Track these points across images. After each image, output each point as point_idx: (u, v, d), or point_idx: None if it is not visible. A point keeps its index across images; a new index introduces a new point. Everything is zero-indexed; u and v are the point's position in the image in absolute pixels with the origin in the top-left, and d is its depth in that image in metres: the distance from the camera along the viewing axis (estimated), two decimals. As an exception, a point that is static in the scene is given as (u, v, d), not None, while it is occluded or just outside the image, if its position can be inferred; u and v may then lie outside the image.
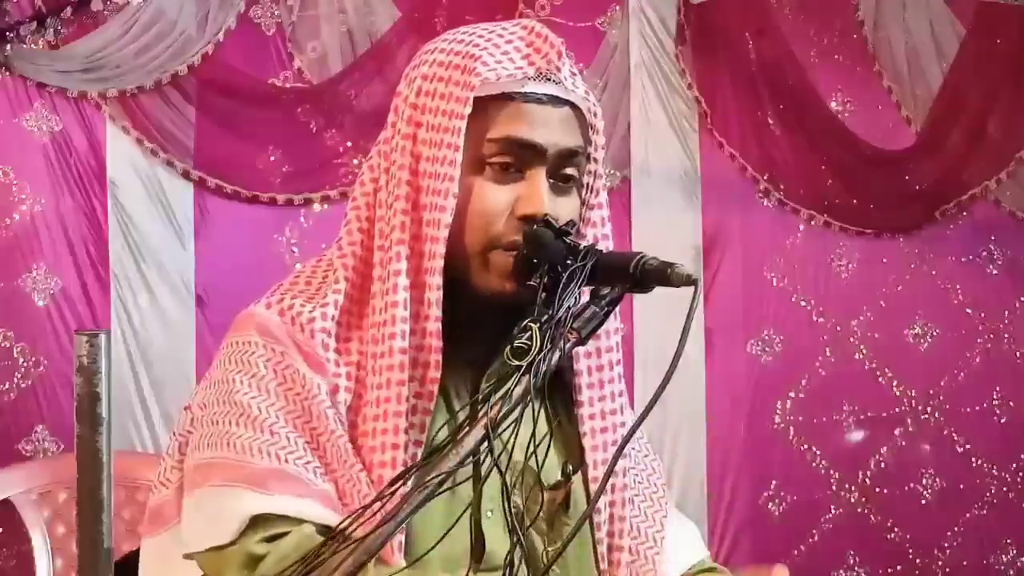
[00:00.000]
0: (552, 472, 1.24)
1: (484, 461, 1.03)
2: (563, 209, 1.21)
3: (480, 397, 1.03)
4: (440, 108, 1.21)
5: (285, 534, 1.14)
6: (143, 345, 3.34)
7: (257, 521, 1.14)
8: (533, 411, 1.05)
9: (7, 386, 3.27)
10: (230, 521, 1.14)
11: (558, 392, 1.30)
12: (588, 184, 1.28)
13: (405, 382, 1.18)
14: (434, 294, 1.18)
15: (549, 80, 1.22)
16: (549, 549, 1.24)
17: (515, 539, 1.07)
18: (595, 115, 1.26)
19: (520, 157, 1.20)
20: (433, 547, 1.12)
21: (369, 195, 1.26)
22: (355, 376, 1.22)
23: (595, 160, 1.27)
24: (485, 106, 1.20)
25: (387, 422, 1.18)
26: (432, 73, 1.23)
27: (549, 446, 1.20)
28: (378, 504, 0.99)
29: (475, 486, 1.18)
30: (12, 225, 3.29)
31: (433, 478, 0.95)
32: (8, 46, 3.22)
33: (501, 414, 1.00)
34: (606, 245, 1.26)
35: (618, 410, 1.30)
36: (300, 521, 1.14)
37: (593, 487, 1.28)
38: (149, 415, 3.32)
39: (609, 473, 1.03)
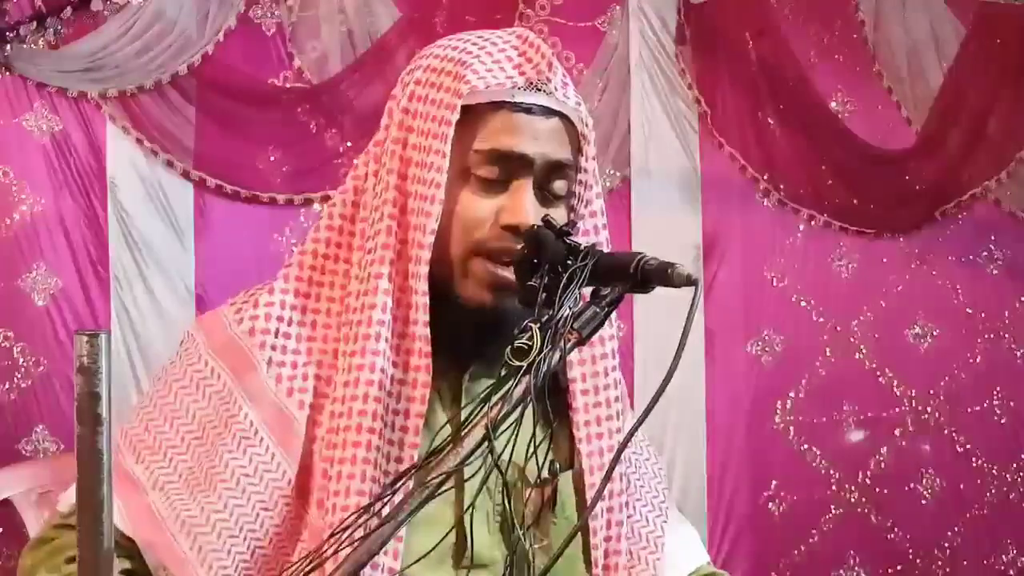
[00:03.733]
0: (534, 470, 1.23)
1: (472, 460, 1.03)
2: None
3: (480, 397, 1.03)
4: (430, 114, 1.21)
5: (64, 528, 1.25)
6: (143, 345, 3.34)
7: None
8: (533, 412, 1.05)
9: (7, 386, 3.27)
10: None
11: (551, 393, 1.30)
12: (579, 194, 1.27)
13: (374, 383, 1.18)
14: (420, 299, 1.19)
15: (539, 91, 1.22)
16: (536, 547, 1.24)
17: (514, 537, 1.07)
18: (587, 125, 1.25)
19: (506, 168, 1.20)
20: (432, 549, 1.12)
21: (348, 192, 1.27)
22: (315, 375, 1.24)
23: (585, 171, 1.26)
24: (473, 114, 1.20)
25: (351, 420, 1.18)
26: (425, 79, 1.23)
27: (550, 446, 1.20)
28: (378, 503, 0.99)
29: (458, 484, 1.19)
30: (12, 225, 3.29)
31: (433, 478, 0.95)
32: (8, 46, 3.22)
33: (501, 414, 1.00)
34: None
35: (614, 416, 1.30)
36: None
37: (589, 493, 1.27)
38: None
39: (607, 479, 1.03)
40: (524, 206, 1.19)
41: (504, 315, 1.19)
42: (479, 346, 1.24)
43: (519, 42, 1.24)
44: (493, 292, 1.20)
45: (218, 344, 1.25)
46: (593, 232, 1.29)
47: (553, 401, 1.29)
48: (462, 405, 1.24)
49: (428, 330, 1.18)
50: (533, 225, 1.18)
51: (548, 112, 1.22)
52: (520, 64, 1.22)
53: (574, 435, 1.29)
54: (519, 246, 1.17)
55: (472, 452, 0.98)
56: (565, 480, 1.29)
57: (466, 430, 0.99)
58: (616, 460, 1.06)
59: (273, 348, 1.23)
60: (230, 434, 1.21)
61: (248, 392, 1.22)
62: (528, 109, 1.21)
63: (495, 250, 1.20)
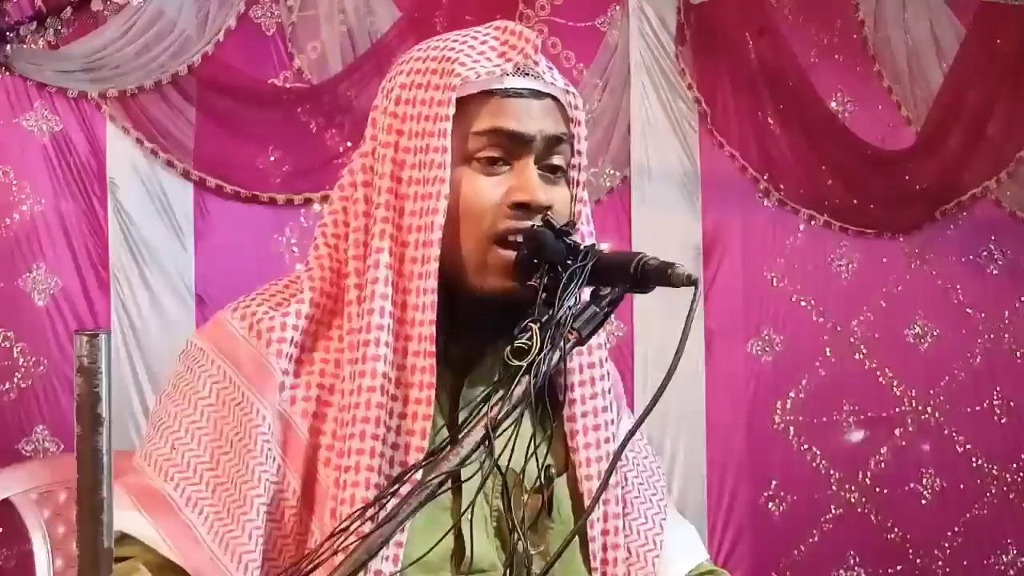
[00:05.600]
0: (531, 474, 1.23)
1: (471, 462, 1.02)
2: (555, 198, 1.20)
3: (480, 397, 1.03)
4: (422, 113, 1.20)
5: (122, 559, 1.16)
6: (143, 345, 3.34)
7: (123, 537, 1.17)
8: (532, 414, 1.05)
9: (7, 386, 3.27)
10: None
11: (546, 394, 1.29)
12: (573, 177, 1.27)
13: (376, 389, 1.17)
14: (427, 299, 1.17)
15: (527, 75, 1.22)
16: (533, 552, 1.23)
17: (515, 538, 1.07)
18: (575, 107, 1.25)
19: (507, 148, 1.20)
20: (427, 552, 1.12)
21: (337, 212, 1.26)
22: (318, 384, 1.22)
23: (578, 152, 1.26)
24: (466, 106, 1.19)
25: (355, 427, 1.17)
26: (410, 81, 1.23)
27: (548, 448, 1.20)
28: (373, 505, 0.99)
29: (455, 489, 1.18)
30: (12, 225, 3.29)
31: (433, 478, 0.95)
32: (8, 46, 3.22)
33: (501, 415, 1.00)
34: (593, 241, 1.26)
35: (609, 407, 1.30)
36: (147, 547, 1.17)
37: (586, 484, 1.26)
38: (149, 415, 3.31)
39: (610, 472, 1.03)
40: (532, 183, 1.19)
41: (518, 302, 1.17)
42: (482, 343, 1.23)
43: (499, 32, 1.24)
44: (514, 278, 1.18)
45: (231, 353, 1.23)
46: (586, 220, 1.29)
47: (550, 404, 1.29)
48: (459, 409, 1.23)
49: (433, 330, 1.17)
50: (533, 226, 1.17)
51: (538, 94, 1.22)
52: (505, 52, 1.22)
53: (567, 433, 1.28)
54: (529, 224, 1.17)
55: (472, 452, 0.98)
56: (560, 484, 1.28)
57: (466, 431, 0.99)
58: (620, 451, 1.05)
59: (289, 358, 1.22)
60: (256, 445, 1.18)
61: (266, 401, 1.21)
62: (519, 93, 1.21)
63: (507, 231, 1.18)
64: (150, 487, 1.19)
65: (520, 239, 1.18)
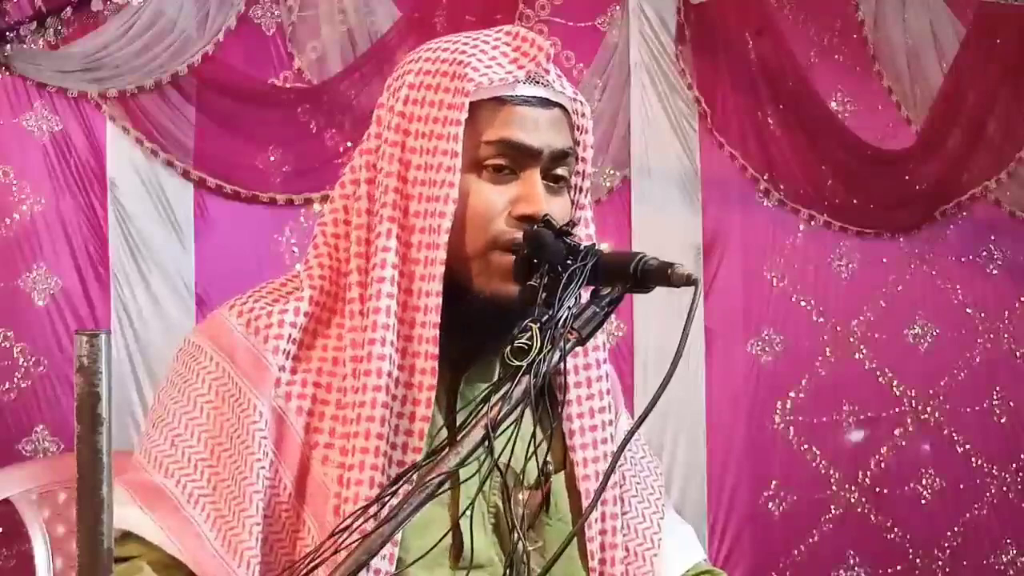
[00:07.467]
0: (530, 472, 1.24)
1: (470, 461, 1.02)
2: (556, 209, 1.21)
3: (480, 397, 1.03)
4: (431, 115, 1.20)
5: (125, 559, 1.16)
6: (143, 345, 3.34)
7: (125, 535, 1.17)
8: (533, 413, 1.05)
9: (7, 386, 3.27)
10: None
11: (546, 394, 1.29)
12: (577, 184, 1.28)
13: (382, 388, 1.17)
14: (432, 301, 1.17)
15: (538, 83, 1.22)
16: (531, 548, 1.23)
17: (516, 538, 1.07)
18: (583, 115, 1.27)
19: (515, 159, 1.20)
20: (429, 551, 1.12)
21: (338, 211, 1.26)
22: (314, 381, 1.22)
23: (583, 160, 1.28)
24: (476, 110, 1.19)
25: (359, 426, 1.17)
26: (419, 81, 1.22)
27: (549, 446, 1.20)
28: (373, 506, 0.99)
29: (454, 485, 1.18)
30: (12, 225, 3.29)
31: (433, 478, 0.95)
32: (8, 46, 3.22)
33: (501, 415, 1.00)
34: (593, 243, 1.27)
35: (607, 408, 1.30)
36: (150, 545, 1.17)
37: (583, 485, 1.27)
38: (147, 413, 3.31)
39: (610, 471, 1.03)
40: (538, 196, 1.19)
41: (519, 306, 1.17)
42: (479, 344, 1.23)
43: (510, 38, 1.24)
44: (516, 282, 1.19)
45: (228, 349, 1.23)
46: (585, 224, 1.30)
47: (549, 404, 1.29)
48: (457, 409, 1.24)
49: (437, 332, 1.17)
50: (533, 226, 1.18)
51: (548, 103, 1.22)
52: (517, 59, 1.22)
53: (565, 433, 1.29)
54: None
55: (472, 452, 0.98)
56: (558, 481, 1.28)
57: (466, 431, 0.99)
58: (620, 453, 1.05)
59: (286, 355, 1.22)
60: (254, 441, 1.19)
61: (262, 396, 1.21)
62: (529, 102, 1.21)
63: (511, 240, 1.19)
64: (150, 483, 1.19)
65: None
